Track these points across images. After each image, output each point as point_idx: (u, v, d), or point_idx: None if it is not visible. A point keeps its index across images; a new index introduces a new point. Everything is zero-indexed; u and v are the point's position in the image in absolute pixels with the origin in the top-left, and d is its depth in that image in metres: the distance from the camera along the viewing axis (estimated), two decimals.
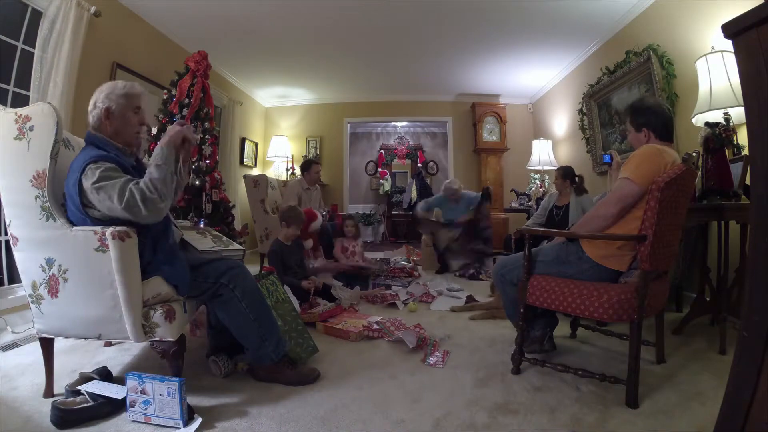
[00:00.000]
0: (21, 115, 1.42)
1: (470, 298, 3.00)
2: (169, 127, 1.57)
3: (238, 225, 4.13)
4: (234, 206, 3.75)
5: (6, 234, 1.61)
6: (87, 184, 1.35)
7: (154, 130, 2.97)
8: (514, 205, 5.15)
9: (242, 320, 1.58)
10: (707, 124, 2.17)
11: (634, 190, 1.55)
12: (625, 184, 1.57)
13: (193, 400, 1.43)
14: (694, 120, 2.51)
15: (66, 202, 1.43)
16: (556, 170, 3.47)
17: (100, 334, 1.45)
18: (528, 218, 4.44)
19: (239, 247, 2.03)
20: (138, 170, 1.55)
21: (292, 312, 1.96)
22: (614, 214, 1.60)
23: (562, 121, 5.40)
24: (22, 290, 2.19)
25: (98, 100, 1.50)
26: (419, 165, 8.62)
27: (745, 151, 2.21)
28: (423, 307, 2.89)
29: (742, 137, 2.28)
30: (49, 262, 1.42)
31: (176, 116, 3.04)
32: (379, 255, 5.21)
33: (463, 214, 4.37)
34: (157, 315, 1.41)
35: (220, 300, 1.57)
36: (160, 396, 1.31)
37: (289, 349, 1.78)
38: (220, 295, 1.56)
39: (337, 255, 3.61)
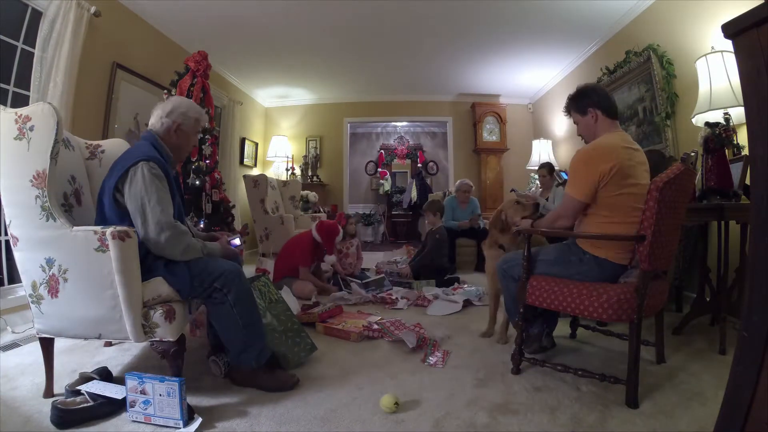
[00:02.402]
0: (21, 115, 1.42)
1: (468, 303, 2.96)
2: (228, 242, 1.88)
3: (238, 225, 4.13)
4: (234, 206, 3.75)
5: (6, 234, 1.61)
6: (135, 175, 1.48)
7: None
8: None
9: (231, 324, 1.57)
10: (707, 124, 2.17)
11: (576, 205, 1.68)
12: (568, 200, 1.72)
13: (193, 400, 1.43)
14: (694, 120, 2.51)
15: (105, 182, 1.56)
16: (541, 168, 3.54)
17: (100, 334, 1.45)
18: None
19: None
20: (176, 180, 1.73)
21: (287, 312, 1.96)
22: (570, 225, 1.76)
23: (562, 121, 5.39)
24: (22, 290, 2.19)
25: (174, 113, 1.70)
26: (419, 165, 8.62)
27: (745, 151, 2.21)
28: (420, 311, 2.83)
29: (742, 137, 2.28)
30: (49, 262, 1.42)
31: None
32: (378, 255, 5.22)
33: (464, 220, 4.45)
34: (157, 315, 1.41)
35: (211, 302, 1.58)
36: (160, 396, 1.31)
37: (288, 350, 1.78)
38: (213, 297, 1.56)
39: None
